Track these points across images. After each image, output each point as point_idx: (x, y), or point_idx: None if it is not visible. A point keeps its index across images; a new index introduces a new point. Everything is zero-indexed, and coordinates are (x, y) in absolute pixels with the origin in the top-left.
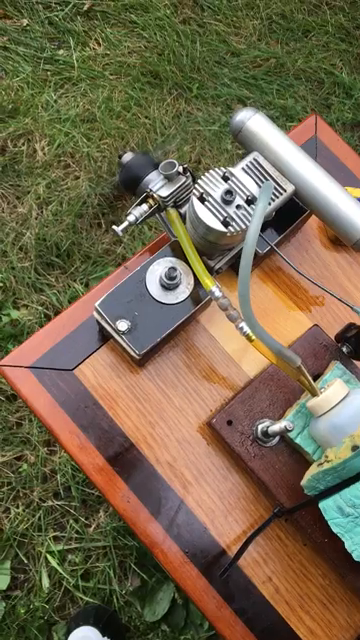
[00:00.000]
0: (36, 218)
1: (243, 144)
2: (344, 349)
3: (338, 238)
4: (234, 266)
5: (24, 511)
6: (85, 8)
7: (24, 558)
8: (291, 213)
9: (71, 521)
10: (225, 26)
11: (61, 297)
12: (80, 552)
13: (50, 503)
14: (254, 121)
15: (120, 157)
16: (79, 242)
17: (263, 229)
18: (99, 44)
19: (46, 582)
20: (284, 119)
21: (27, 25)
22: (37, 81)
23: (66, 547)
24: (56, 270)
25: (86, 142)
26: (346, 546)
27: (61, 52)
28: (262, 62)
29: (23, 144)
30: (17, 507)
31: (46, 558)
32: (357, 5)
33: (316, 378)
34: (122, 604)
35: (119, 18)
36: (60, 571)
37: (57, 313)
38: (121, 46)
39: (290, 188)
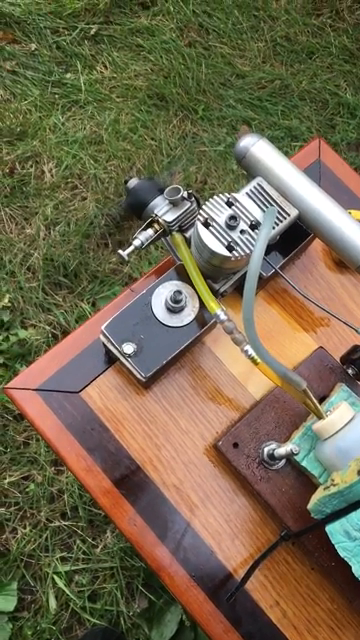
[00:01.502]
0: (44, 239)
1: (247, 169)
2: (350, 371)
3: (342, 260)
4: (239, 288)
5: (31, 531)
6: (92, 32)
7: (31, 579)
8: (295, 237)
9: (78, 541)
10: (230, 49)
11: (68, 317)
12: (87, 573)
13: (57, 523)
14: (258, 147)
15: (126, 182)
16: (86, 262)
17: (267, 252)
18: (106, 67)
19: (53, 603)
20: (289, 139)
21: (35, 49)
22: (45, 104)
23: (73, 568)
24: (63, 290)
25: (93, 164)
26: (353, 570)
27: (69, 75)
28: (267, 84)
29: (31, 166)
30: (24, 527)
31: (53, 579)
32: None
33: (322, 400)
34: (129, 626)
35: (125, 42)
36: (67, 592)
37: (64, 332)
38: (128, 69)
39: (294, 212)
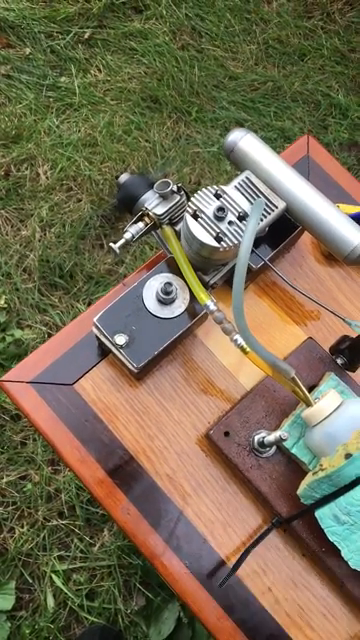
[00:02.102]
0: (39, 240)
1: (236, 163)
2: (338, 361)
3: (331, 253)
4: (229, 281)
5: (29, 530)
6: (86, 36)
7: (29, 578)
8: (284, 229)
9: (75, 540)
10: (223, 51)
11: (64, 317)
12: (85, 571)
13: (55, 522)
14: (245, 141)
15: (117, 178)
16: (82, 263)
17: (257, 245)
18: (100, 71)
19: (51, 602)
20: (282, 140)
21: (30, 54)
22: (40, 107)
23: (71, 566)
24: (59, 291)
25: (88, 166)
26: (342, 554)
27: (63, 79)
28: (259, 85)
29: (26, 168)
30: (22, 527)
31: (51, 578)
32: (351, 29)
33: (311, 389)
34: (127, 624)
35: (119, 45)
36: (65, 591)
37: None
38: (121, 72)
39: (281, 205)
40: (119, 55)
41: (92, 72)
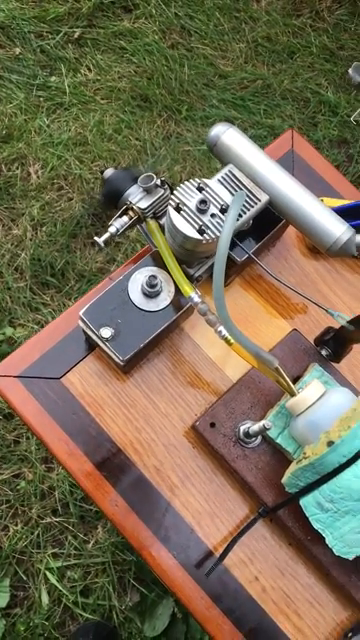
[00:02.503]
0: (31, 239)
1: (219, 157)
2: (323, 352)
3: (315, 246)
4: None
5: (22, 528)
6: (76, 36)
7: (23, 575)
8: (268, 223)
9: (69, 537)
10: (212, 50)
11: (56, 315)
12: (79, 568)
13: (48, 520)
14: (228, 135)
15: (102, 172)
16: (73, 261)
17: (241, 239)
18: (90, 70)
19: (45, 599)
20: (272, 138)
21: (20, 54)
22: (30, 107)
23: (65, 564)
24: (51, 289)
25: (79, 165)
26: (327, 541)
27: (53, 79)
28: (249, 84)
29: (17, 168)
30: (16, 525)
31: (45, 575)
32: (340, 27)
33: (296, 380)
34: (122, 620)
35: (109, 45)
36: (59, 588)
37: None
38: (111, 71)
39: (264, 198)
40: (109, 54)
41: (82, 71)
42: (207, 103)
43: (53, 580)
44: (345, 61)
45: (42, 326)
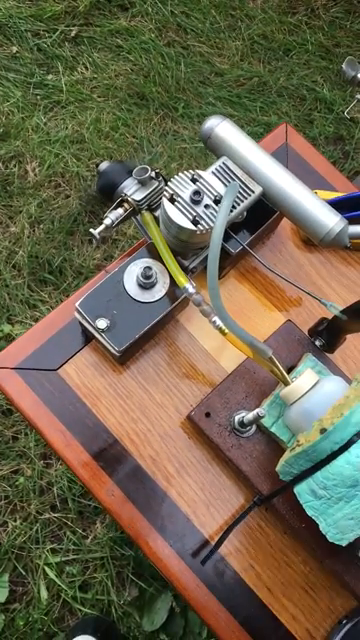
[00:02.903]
0: (28, 237)
1: (213, 150)
2: (317, 343)
3: (308, 237)
4: None
5: (21, 524)
6: (72, 34)
7: (22, 571)
8: (262, 215)
9: (68, 533)
10: (208, 47)
11: None
12: (78, 563)
13: (47, 515)
14: (222, 128)
15: (97, 166)
16: (71, 259)
17: (236, 230)
18: (87, 68)
19: (44, 594)
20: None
21: (17, 52)
22: (27, 105)
23: (64, 559)
24: (49, 286)
25: (76, 162)
26: (320, 528)
27: (50, 77)
28: (245, 81)
29: (14, 166)
30: (14, 520)
31: (44, 570)
32: (335, 24)
33: (290, 371)
34: (120, 614)
35: (105, 43)
36: (58, 583)
37: None
38: (108, 69)
39: (258, 189)
40: (105, 52)
41: (79, 70)
42: (203, 101)
43: (52, 575)
44: (340, 58)
45: None
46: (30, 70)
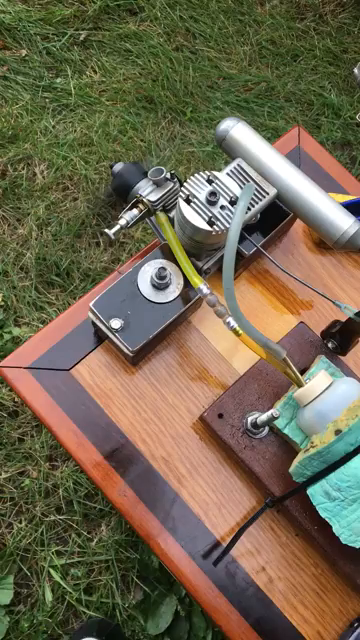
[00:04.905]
0: (36, 239)
1: (227, 151)
2: (329, 345)
3: (323, 241)
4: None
5: (27, 526)
6: (81, 38)
7: (27, 573)
8: (275, 217)
9: (73, 535)
10: (217, 52)
11: None
12: (82, 566)
13: (52, 518)
14: (237, 129)
15: (112, 167)
16: (78, 261)
17: (249, 232)
18: (95, 72)
19: (49, 596)
20: (275, 140)
21: (26, 55)
22: (36, 108)
23: (69, 561)
24: (56, 288)
25: (84, 165)
26: (334, 530)
27: (59, 80)
28: (253, 86)
29: (23, 168)
30: (20, 522)
31: (49, 572)
32: (343, 30)
33: (303, 372)
34: (125, 618)
35: (114, 47)
36: (63, 585)
37: None
38: (116, 73)
39: (272, 191)
40: (114, 56)
41: (88, 73)
42: (211, 105)
43: (57, 577)
44: (348, 64)
45: None
46: (39, 73)
